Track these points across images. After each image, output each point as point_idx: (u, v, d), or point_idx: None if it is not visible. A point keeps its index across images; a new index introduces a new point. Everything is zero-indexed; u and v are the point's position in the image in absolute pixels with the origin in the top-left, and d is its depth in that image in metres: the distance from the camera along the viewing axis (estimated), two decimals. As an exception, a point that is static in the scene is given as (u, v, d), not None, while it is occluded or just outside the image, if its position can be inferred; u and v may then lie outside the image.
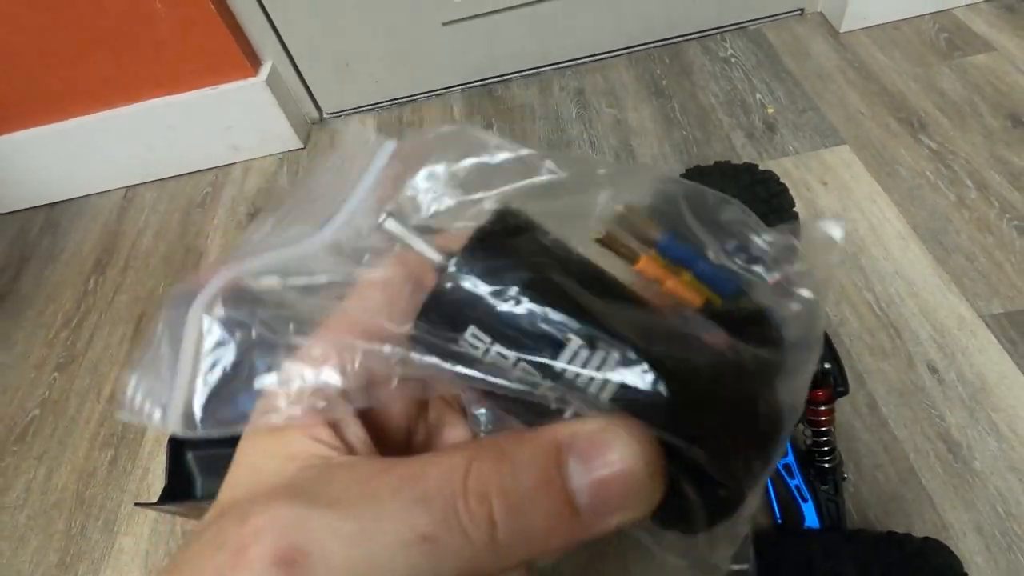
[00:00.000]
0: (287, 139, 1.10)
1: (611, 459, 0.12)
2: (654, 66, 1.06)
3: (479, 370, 0.14)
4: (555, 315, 0.14)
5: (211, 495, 0.47)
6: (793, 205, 0.65)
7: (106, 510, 0.73)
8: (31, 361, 0.90)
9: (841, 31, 1.01)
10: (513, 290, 0.14)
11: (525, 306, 0.14)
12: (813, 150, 0.86)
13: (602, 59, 1.10)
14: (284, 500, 0.12)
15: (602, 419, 0.13)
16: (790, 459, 0.52)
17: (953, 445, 0.58)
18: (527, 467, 0.12)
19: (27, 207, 1.16)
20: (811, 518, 0.50)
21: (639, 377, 0.13)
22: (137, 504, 0.50)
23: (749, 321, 0.15)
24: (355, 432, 0.14)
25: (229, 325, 0.14)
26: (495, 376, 0.14)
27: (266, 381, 0.14)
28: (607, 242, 0.16)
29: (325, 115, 1.16)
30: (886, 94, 0.90)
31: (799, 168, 0.84)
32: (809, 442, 0.52)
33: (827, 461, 0.52)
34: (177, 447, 0.50)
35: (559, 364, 0.13)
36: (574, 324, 0.14)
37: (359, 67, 1.08)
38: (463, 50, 1.07)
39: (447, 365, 0.14)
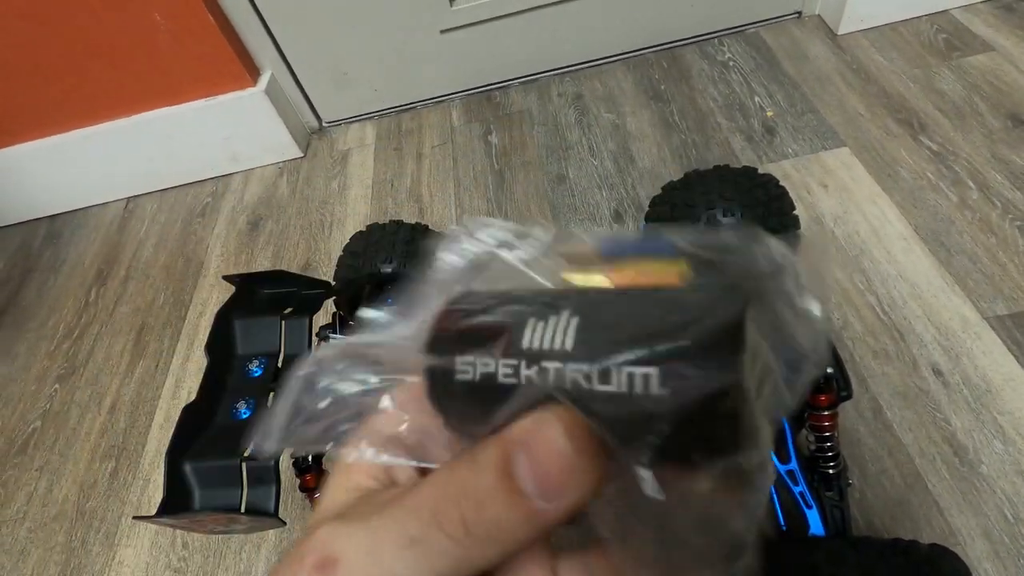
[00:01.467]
0: (287, 148, 1.10)
1: (542, 445, 0.14)
2: (652, 71, 1.06)
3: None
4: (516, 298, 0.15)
5: (208, 507, 0.47)
6: (793, 208, 0.65)
7: (107, 522, 0.72)
8: (32, 373, 0.90)
9: (839, 33, 1.01)
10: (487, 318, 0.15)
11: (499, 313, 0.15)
12: (813, 153, 0.86)
13: (600, 64, 1.10)
14: (332, 521, 0.16)
15: (540, 410, 0.14)
16: (793, 465, 0.51)
17: (959, 449, 0.57)
18: (485, 468, 0.14)
19: (28, 219, 1.16)
20: (816, 525, 0.49)
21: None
22: (135, 518, 0.49)
23: (722, 253, 0.16)
24: (406, 473, 0.18)
25: (311, 375, 0.19)
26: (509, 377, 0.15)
27: (321, 405, 0.19)
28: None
29: (324, 124, 1.16)
30: (885, 96, 0.90)
31: (799, 171, 0.84)
32: (813, 447, 0.52)
33: (831, 467, 0.51)
34: (175, 460, 0.50)
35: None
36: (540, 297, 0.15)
37: (358, 75, 1.08)
38: (461, 57, 1.07)
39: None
